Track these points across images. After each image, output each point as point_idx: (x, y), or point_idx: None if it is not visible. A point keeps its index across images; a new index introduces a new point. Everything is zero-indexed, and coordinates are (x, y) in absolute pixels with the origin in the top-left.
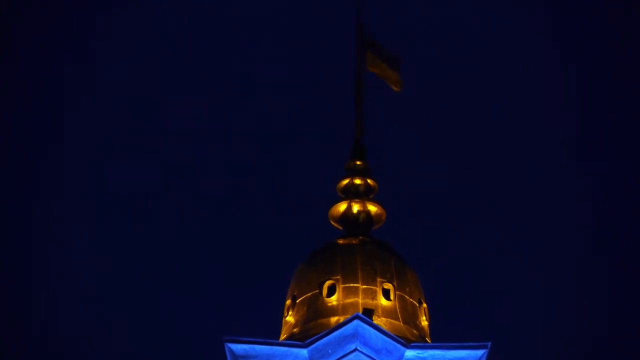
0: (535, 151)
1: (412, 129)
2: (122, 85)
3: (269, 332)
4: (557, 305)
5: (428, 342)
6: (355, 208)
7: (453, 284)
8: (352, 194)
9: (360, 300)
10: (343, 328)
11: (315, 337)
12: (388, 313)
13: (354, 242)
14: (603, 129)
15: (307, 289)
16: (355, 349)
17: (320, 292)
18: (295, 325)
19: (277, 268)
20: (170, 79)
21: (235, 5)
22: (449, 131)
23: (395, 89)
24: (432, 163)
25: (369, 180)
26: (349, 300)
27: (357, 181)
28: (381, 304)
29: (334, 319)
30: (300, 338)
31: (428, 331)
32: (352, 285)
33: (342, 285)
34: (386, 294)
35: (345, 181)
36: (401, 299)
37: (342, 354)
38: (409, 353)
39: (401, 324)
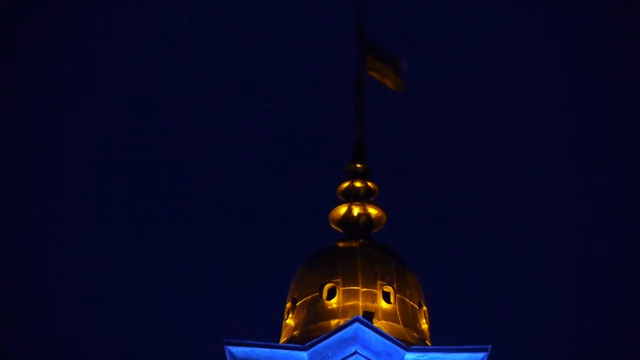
0: (535, 151)
1: (412, 129)
2: (122, 85)
3: (268, 335)
4: (557, 305)
5: (428, 345)
6: (356, 211)
7: (453, 284)
8: (352, 196)
9: (360, 303)
10: (343, 331)
11: (315, 340)
12: (388, 316)
13: (354, 244)
14: (603, 129)
15: (307, 291)
16: (356, 352)
17: (321, 295)
18: (295, 328)
19: (277, 270)
20: (170, 79)
21: (235, 5)
22: (449, 131)
23: (396, 89)
24: (433, 163)
25: (369, 183)
26: (349, 303)
27: (358, 184)
28: (381, 307)
29: (334, 322)
30: (301, 341)
31: (428, 334)
32: (352, 288)
33: (342, 288)
34: (386, 297)
35: (346, 184)
36: (401, 302)
37: (342, 357)
38: (409, 356)
39: (401, 326)
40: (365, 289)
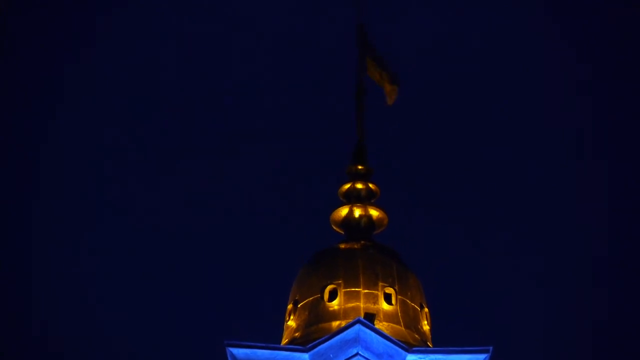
0: (535, 151)
1: (412, 129)
2: (122, 85)
3: (269, 336)
4: (557, 305)
5: (430, 347)
6: (357, 212)
7: (454, 284)
8: (353, 198)
9: (361, 304)
10: (344, 332)
11: (316, 341)
12: (390, 317)
13: (355, 246)
14: (603, 129)
15: (308, 293)
16: (357, 354)
17: (322, 297)
18: (296, 330)
19: (278, 271)
20: (170, 79)
21: (235, 5)
22: (449, 131)
23: (387, 96)
24: (433, 163)
25: (370, 185)
26: (350, 305)
27: (359, 186)
28: (383, 309)
29: (335, 324)
30: (302, 342)
31: (430, 335)
32: (353, 289)
33: (343, 290)
34: (388, 299)
35: (347, 186)
36: (403, 304)
37: (343, 359)
38: (411, 357)
39: (403, 328)
40: (366, 291)
